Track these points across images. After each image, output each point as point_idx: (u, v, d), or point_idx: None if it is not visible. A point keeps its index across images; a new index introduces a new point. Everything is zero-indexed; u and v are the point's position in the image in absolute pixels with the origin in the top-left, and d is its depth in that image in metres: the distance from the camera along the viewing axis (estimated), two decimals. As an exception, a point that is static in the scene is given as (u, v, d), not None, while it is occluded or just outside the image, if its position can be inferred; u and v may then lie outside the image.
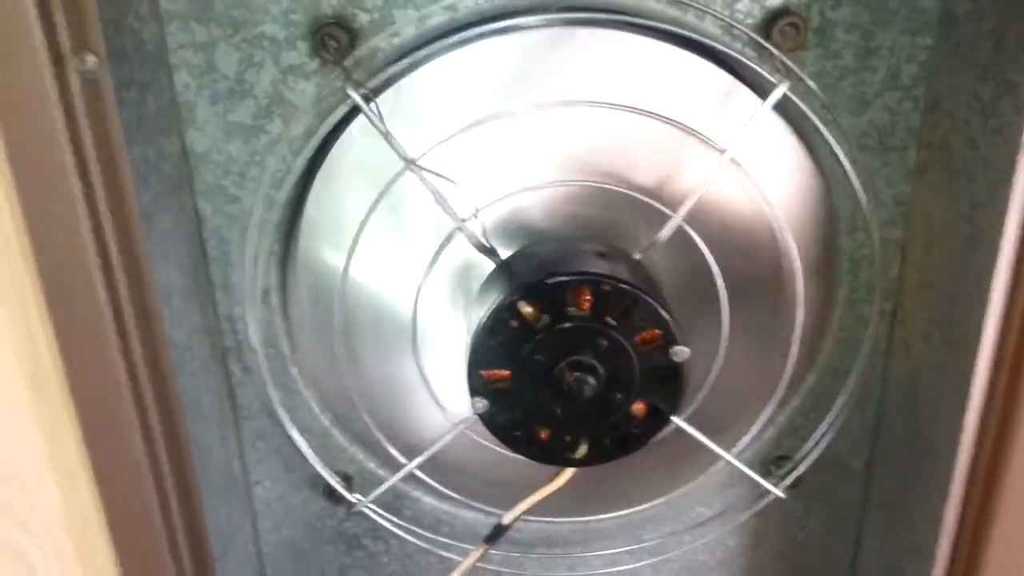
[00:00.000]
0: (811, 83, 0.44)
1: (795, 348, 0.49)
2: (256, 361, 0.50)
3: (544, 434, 0.45)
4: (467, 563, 0.51)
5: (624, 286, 0.42)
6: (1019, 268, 0.40)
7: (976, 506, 0.45)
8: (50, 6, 0.31)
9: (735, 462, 0.51)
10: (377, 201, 0.44)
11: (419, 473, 0.52)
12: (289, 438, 0.53)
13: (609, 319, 0.42)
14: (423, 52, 0.43)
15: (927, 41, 0.45)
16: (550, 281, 0.42)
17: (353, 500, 0.54)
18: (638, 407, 0.45)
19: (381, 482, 0.53)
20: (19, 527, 0.40)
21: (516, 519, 0.50)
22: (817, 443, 0.53)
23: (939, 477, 0.47)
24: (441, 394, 0.51)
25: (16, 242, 0.35)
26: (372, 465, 0.56)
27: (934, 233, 0.47)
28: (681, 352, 0.43)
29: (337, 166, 0.46)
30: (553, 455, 0.46)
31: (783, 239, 0.47)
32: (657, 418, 0.45)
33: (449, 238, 0.46)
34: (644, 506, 0.56)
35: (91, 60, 0.32)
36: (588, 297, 0.42)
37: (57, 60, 0.32)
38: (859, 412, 0.54)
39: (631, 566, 0.59)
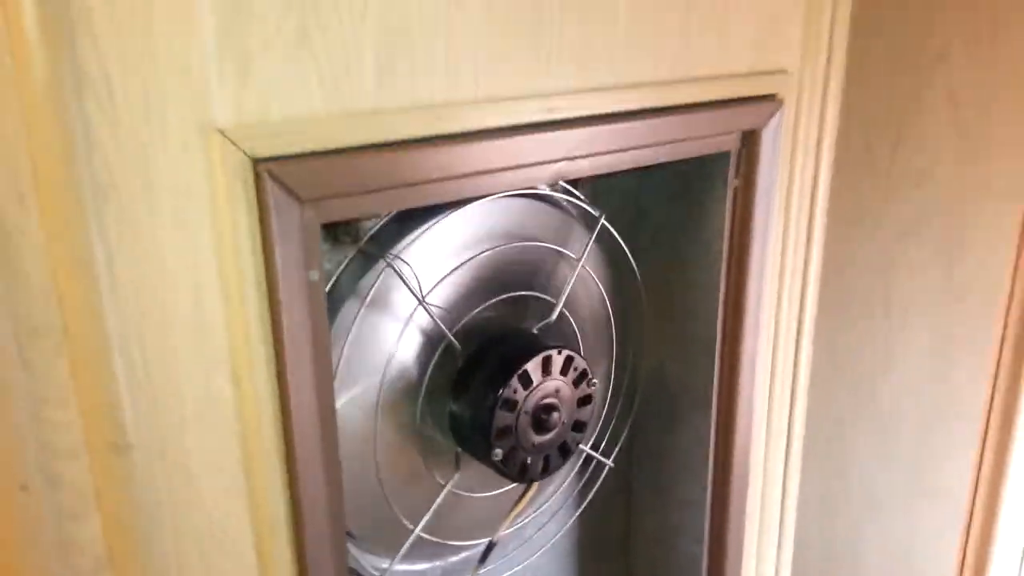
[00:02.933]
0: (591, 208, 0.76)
1: (614, 371, 0.80)
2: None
3: (528, 461, 0.68)
4: (475, 580, 0.69)
5: (568, 352, 0.67)
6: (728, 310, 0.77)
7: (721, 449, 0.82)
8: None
9: (594, 454, 0.79)
10: (403, 332, 0.62)
11: (424, 535, 0.68)
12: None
13: (558, 373, 0.67)
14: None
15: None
16: (527, 364, 0.65)
17: (377, 573, 0.67)
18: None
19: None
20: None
21: (501, 534, 0.70)
22: (622, 426, 0.84)
23: (691, 439, 0.82)
24: (433, 465, 0.69)
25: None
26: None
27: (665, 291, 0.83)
28: (593, 383, 0.70)
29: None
30: (531, 475, 0.69)
31: (606, 303, 0.78)
32: (581, 430, 0.71)
33: (438, 351, 0.66)
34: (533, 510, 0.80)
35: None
36: (547, 364, 0.67)
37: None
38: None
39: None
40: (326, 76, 0.45)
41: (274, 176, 0.43)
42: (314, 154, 0.45)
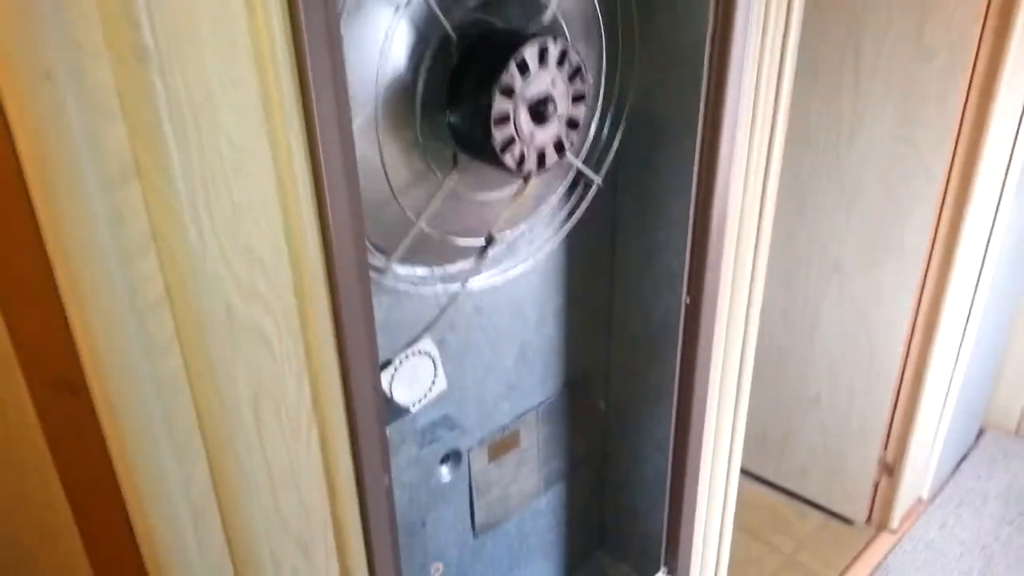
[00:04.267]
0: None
1: (603, 92, 0.81)
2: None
3: (525, 153, 0.69)
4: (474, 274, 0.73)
5: (563, 43, 0.67)
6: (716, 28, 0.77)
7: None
8: None
9: (584, 168, 0.81)
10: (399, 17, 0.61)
11: (426, 228, 0.70)
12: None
13: (554, 66, 0.68)
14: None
15: None
16: (524, 51, 0.65)
17: (381, 265, 0.70)
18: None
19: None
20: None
21: (501, 231, 0.73)
22: (609, 149, 0.86)
23: (676, 162, 0.84)
24: (433, 162, 0.70)
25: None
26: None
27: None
28: (588, 79, 0.71)
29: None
30: (527, 167, 0.70)
31: (597, 17, 0.77)
32: (574, 127, 0.73)
33: (434, 45, 0.65)
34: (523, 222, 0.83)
35: None
36: (544, 55, 0.67)
37: None
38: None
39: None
40: None
41: None
42: None
